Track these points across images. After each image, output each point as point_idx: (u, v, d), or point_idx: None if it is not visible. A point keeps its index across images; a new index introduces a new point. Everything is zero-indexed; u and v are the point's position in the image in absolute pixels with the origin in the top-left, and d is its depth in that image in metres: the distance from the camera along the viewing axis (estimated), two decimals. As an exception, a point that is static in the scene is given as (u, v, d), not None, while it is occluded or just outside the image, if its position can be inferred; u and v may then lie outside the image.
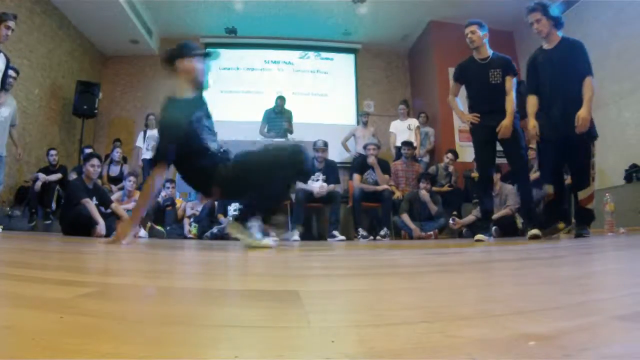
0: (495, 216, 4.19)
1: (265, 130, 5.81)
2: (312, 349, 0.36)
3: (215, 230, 4.19)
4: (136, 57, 7.17)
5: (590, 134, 2.86)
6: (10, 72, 4.03)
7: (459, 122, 6.55)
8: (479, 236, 3.09)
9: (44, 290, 0.65)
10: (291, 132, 5.88)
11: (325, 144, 4.64)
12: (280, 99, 6.01)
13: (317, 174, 4.56)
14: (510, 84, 3.16)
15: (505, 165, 5.38)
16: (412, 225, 4.44)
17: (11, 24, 3.35)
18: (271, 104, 6.10)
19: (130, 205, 4.36)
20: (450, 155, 5.52)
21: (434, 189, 4.92)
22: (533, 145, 4.96)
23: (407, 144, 5.34)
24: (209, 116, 2.28)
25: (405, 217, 4.49)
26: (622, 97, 4.68)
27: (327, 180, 4.51)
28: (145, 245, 2.63)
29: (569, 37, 3.03)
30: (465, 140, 6.50)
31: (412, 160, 5.34)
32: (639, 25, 4.54)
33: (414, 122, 6.06)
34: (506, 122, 3.06)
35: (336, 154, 6.07)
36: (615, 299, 0.59)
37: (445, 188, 5.26)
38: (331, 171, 4.61)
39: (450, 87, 3.52)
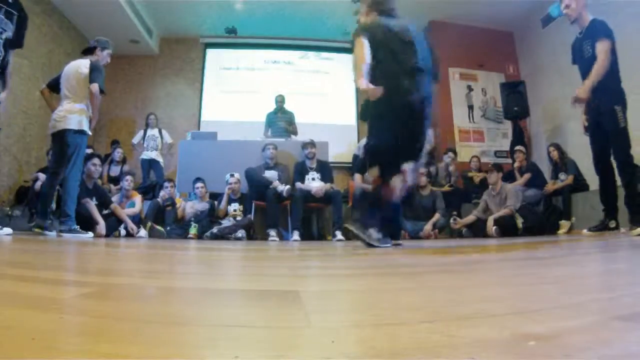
0: (495, 216, 4.20)
1: (269, 133, 5.78)
2: (312, 349, 0.36)
3: (215, 230, 4.18)
4: (136, 57, 7.17)
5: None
6: None
7: (459, 122, 6.56)
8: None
9: (44, 290, 0.65)
10: (295, 134, 5.84)
11: (312, 141, 4.66)
12: (280, 97, 5.98)
13: (311, 173, 4.57)
14: (601, 47, 2.83)
15: (506, 165, 5.43)
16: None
17: (111, 51, 3.68)
18: (271, 104, 6.07)
19: (131, 211, 4.34)
20: (450, 154, 5.51)
21: (434, 188, 4.92)
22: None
23: None
24: None
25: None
26: (622, 97, 4.67)
27: (323, 180, 4.52)
28: (145, 245, 2.63)
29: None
30: (465, 141, 6.51)
31: None
32: (638, 25, 4.54)
33: None
34: (582, 87, 2.86)
35: (333, 154, 6.01)
36: (615, 299, 0.59)
37: (446, 188, 5.26)
38: (326, 170, 4.63)
39: None
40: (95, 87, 3.39)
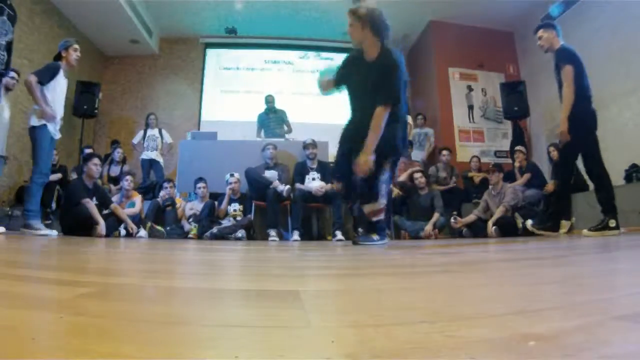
0: (493, 219, 4.20)
1: (262, 134, 5.77)
2: (312, 349, 0.36)
3: (215, 230, 4.18)
4: (136, 57, 7.18)
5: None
6: (13, 74, 4.02)
7: (459, 122, 6.56)
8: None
9: (44, 290, 0.65)
10: (290, 132, 5.81)
11: (314, 141, 4.65)
12: (269, 98, 5.95)
13: (312, 173, 4.57)
14: (564, 76, 3.00)
15: (506, 165, 5.43)
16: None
17: (77, 46, 3.80)
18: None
19: (131, 211, 4.34)
20: (445, 152, 5.49)
21: (435, 187, 4.92)
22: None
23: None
24: None
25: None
26: (622, 96, 4.67)
27: (324, 180, 4.52)
28: (145, 245, 2.63)
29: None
30: (465, 141, 6.51)
31: (409, 159, 5.34)
32: (639, 24, 4.54)
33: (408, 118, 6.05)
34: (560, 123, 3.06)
35: (333, 154, 6.02)
36: (615, 299, 0.59)
37: (447, 186, 5.25)
38: (327, 171, 4.63)
39: None
40: (28, 77, 3.47)
